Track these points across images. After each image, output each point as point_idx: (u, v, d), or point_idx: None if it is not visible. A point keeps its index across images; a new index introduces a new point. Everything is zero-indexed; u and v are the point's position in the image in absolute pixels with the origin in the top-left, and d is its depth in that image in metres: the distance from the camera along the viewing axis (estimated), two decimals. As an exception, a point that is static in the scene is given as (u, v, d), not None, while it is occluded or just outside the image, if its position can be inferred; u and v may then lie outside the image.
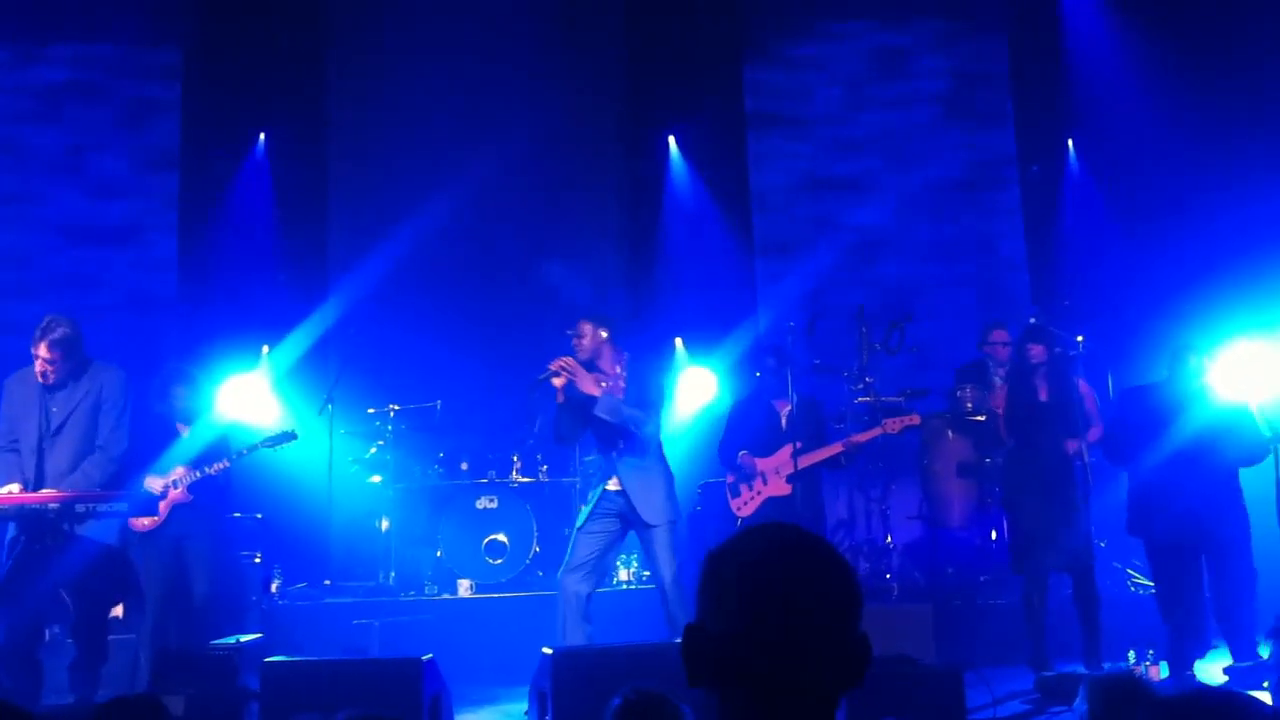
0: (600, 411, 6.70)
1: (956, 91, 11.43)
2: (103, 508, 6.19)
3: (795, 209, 11.31)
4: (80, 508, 6.12)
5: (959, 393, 8.83)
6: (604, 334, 6.89)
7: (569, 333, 6.91)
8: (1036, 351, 7.21)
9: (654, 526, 6.72)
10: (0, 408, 6.52)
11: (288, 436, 7.64)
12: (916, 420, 7.81)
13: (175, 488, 7.22)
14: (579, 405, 6.76)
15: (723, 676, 1.80)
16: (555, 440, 7.07)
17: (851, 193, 11.26)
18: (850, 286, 10.75)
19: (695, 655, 1.82)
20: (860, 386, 8.85)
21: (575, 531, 6.87)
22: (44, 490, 6.28)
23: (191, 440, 7.40)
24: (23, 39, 10.81)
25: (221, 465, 7.29)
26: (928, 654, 6.93)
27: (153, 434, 7.35)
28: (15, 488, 6.26)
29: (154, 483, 7.21)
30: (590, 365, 6.82)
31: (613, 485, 6.80)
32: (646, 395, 6.80)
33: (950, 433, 8.85)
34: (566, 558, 6.81)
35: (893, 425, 7.72)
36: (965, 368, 9.06)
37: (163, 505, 7.23)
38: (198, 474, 7.24)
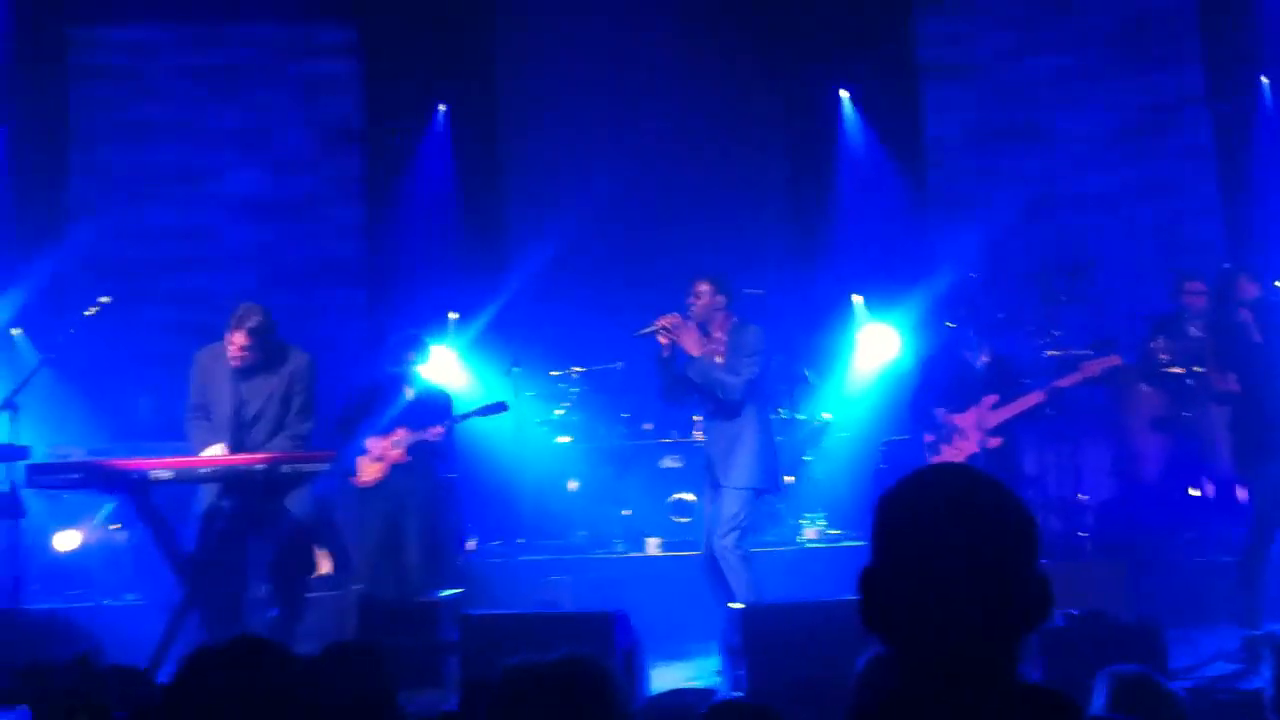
0: (690, 372, 6.76)
1: (1135, 30, 10.97)
2: (306, 468, 6.34)
3: (970, 159, 11.07)
4: (285, 468, 6.26)
5: (1152, 344, 8.55)
6: (721, 299, 6.91)
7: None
8: (1250, 288, 6.86)
9: (724, 487, 6.75)
10: (193, 378, 6.77)
11: (500, 406, 7.86)
12: (1118, 361, 7.56)
13: (395, 449, 7.53)
14: (679, 364, 6.84)
15: (889, 620, 1.77)
16: (661, 398, 7.11)
17: (1026, 140, 10.96)
18: (1029, 237, 10.48)
19: (866, 599, 1.80)
20: (1046, 340, 8.64)
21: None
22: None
23: (414, 403, 7.69)
24: (200, 21, 11.20)
25: (438, 431, 7.56)
26: (1124, 612, 6.77)
27: (381, 394, 7.68)
28: (222, 449, 6.53)
29: (375, 443, 7.52)
30: (702, 326, 6.85)
31: (705, 443, 6.94)
32: (740, 363, 6.76)
33: (1143, 385, 8.59)
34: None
35: (1093, 368, 7.45)
36: (1160, 319, 8.75)
37: (382, 465, 7.55)
38: (417, 437, 7.53)
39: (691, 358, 6.77)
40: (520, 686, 2.42)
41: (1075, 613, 5.50)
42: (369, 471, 7.55)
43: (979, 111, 11.10)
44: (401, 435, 7.55)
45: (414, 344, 7.88)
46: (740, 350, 6.79)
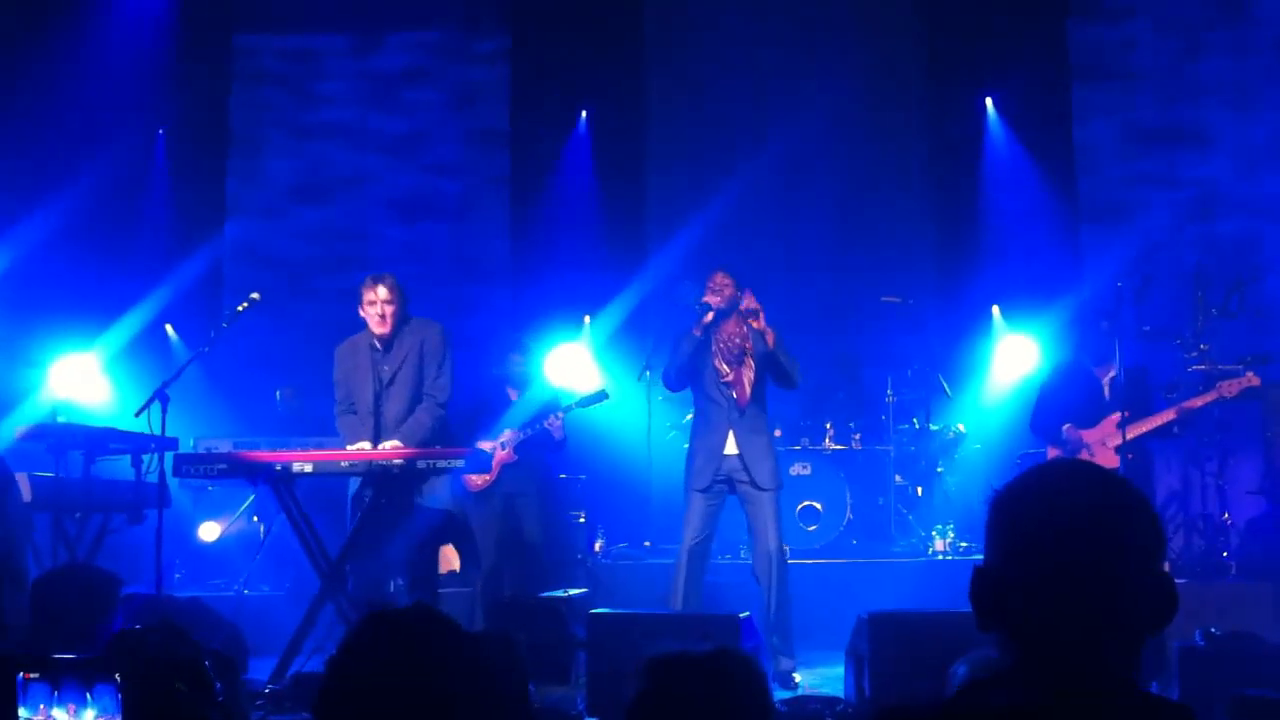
0: (779, 351, 6.73)
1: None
2: (441, 464, 6.43)
3: (1123, 166, 10.78)
4: (422, 464, 6.36)
5: (1306, 358, 8.23)
6: (738, 295, 6.87)
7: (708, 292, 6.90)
8: None
9: (766, 490, 6.71)
10: (335, 374, 6.95)
11: (600, 396, 7.95)
12: (1255, 382, 7.29)
13: (503, 449, 7.66)
14: (701, 345, 6.78)
15: (1005, 619, 1.72)
16: (672, 373, 6.96)
17: (1186, 147, 10.63)
18: (1184, 246, 10.18)
19: (981, 598, 1.74)
20: (1194, 354, 8.37)
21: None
22: (384, 442, 6.63)
23: (521, 405, 7.82)
24: (363, 29, 11.58)
25: (556, 423, 7.66)
26: (1271, 635, 6.53)
27: (487, 397, 7.82)
28: (366, 444, 6.69)
29: (484, 446, 7.65)
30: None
31: (729, 449, 6.77)
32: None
33: (1296, 402, 8.28)
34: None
35: (1228, 388, 7.22)
36: (1316, 331, 8.43)
37: (493, 466, 7.67)
38: (523, 435, 7.65)
39: (779, 337, 6.76)
40: (670, 676, 2.41)
41: (1216, 631, 5.33)
42: (480, 475, 7.66)
43: (1133, 117, 10.81)
44: (508, 436, 7.68)
45: (514, 347, 8.06)
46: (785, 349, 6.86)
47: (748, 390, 6.82)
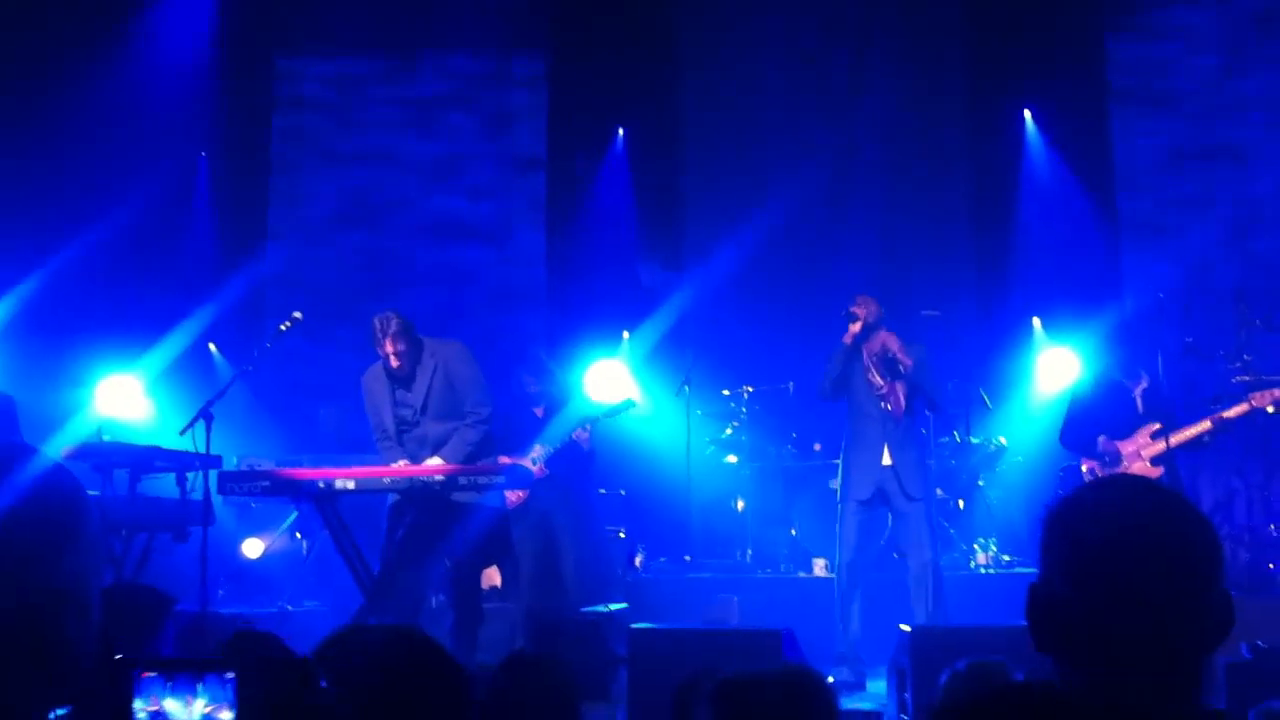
0: (919, 377, 6.85)
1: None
2: (482, 480, 6.45)
3: (1165, 183, 10.71)
4: (463, 480, 6.34)
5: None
6: (882, 312, 7.04)
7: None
8: None
9: (917, 500, 6.77)
10: (365, 403, 6.94)
11: (625, 406, 7.93)
12: None
13: (534, 464, 7.68)
14: (852, 355, 6.88)
15: (1066, 638, 1.69)
16: (826, 388, 7.11)
17: (1228, 164, 10.55)
18: (1228, 262, 10.09)
19: (1038, 617, 1.71)
20: (1238, 365, 8.30)
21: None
22: (426, 460, 6.60)
23: (546, 418, 7.83)
24: (397, 53, 11.66)
25: (584, 436, 7.67)
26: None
27: (512, 417, 7.84)
28: (405, 463, 6.71)
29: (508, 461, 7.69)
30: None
31: (885, 460, 6.81)
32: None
33: (1342, 413, 8.17)
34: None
35: (1261, 399, 7.15)
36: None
37: None
38: (549, 449, 7.67)
39: (915, 365, 6.86)
40: (744, 697, 2.41)
41: (1262, 645, 5.28)
42: (514, 492, 7.66)
43: (1173, 135, 10.73)
44: (538, 451, 7.68)
45: (531, 365, 8.04)
46: (929, 367, 6.98)
47: (902, 401, 6.89)
